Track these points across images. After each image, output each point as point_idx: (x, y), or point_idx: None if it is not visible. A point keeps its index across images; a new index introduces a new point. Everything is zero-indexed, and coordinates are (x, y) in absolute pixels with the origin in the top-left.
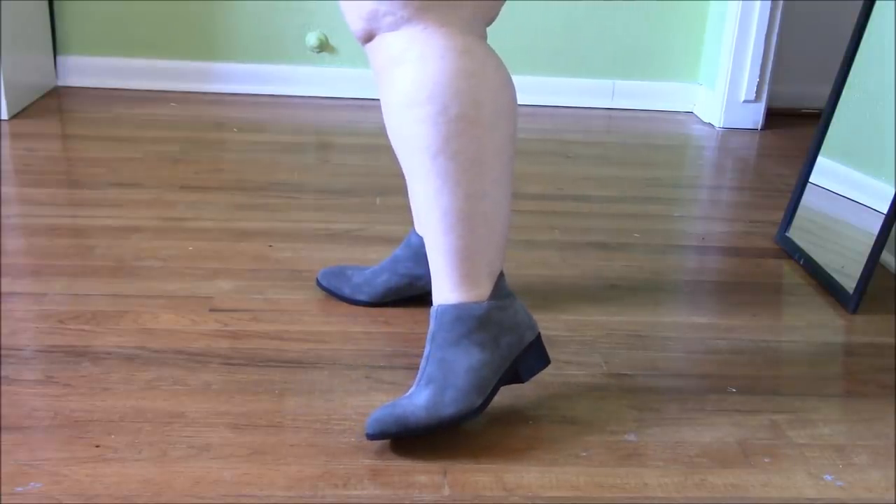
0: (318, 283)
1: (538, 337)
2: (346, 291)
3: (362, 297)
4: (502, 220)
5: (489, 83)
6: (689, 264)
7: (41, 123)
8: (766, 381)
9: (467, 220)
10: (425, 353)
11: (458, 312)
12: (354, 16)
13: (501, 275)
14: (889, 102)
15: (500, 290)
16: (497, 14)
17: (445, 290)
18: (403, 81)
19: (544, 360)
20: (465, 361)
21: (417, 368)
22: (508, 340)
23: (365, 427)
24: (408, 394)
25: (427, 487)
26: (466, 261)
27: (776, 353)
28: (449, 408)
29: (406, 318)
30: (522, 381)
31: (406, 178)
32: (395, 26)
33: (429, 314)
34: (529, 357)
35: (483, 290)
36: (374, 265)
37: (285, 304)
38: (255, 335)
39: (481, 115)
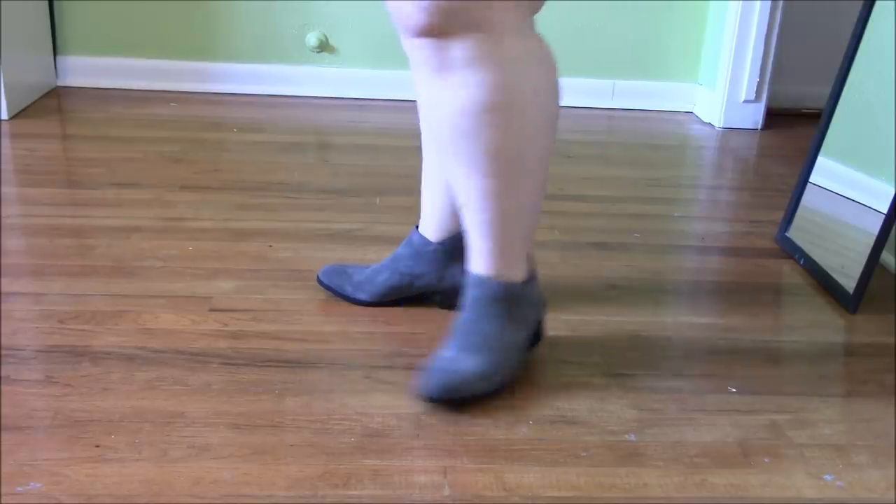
0: (319, 281)
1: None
2: (348, 290)
3: (363, 296)
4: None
5: (545, 91)
6: (689, 264)
7: (41, 123)
8: (766, 381)
9: (519, 217)
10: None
11: (509, 292)
12: (422, 10)
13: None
14: (889, 102)
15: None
16: (542, 3)
17: (502, 268)
18: (479, 86)
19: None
20: (505, 338)
21: (417, 368)
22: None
23: (423, 390)
24: (454, 355)
25: (427, 487)
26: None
27: (776, 353)
28: (494, 378)
29: (406, 318)
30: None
31: (450, 170)
32: (469, 28)
33: (429, 315)
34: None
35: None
36: (374, 264)
37: (285, 304)
38: (255, 335)
39: (540, 123)
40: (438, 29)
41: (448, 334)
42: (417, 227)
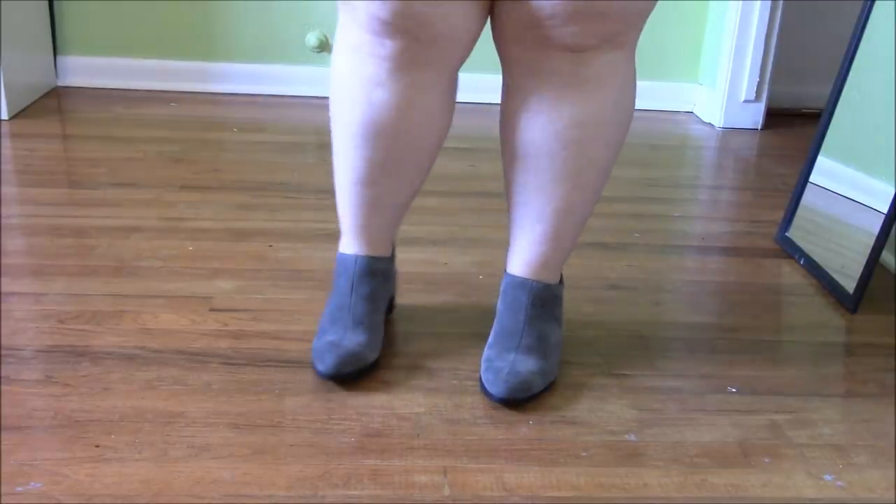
0: (332, 377)
1: None
2: (368, 359)
3: (375, 354)
4: None
5: (633, 110)
6: (689, 264)
7: (41, 123)
8: (766, 381)
9: (583, 225)
10: (527, 322)
11: (556, 293)
12: (589, 33)
13: None
14: (889, 102)
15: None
16: None
17: (554, 273)
18: (603, 103)
19: None
20: (555, 337)
21: (417, 368)
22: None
23: (494, 393)
24: (515, 357)
25: (427, 487)
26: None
27: (776, 353)
28: (551, 376)
29: (406, 318)
30: None
31: (528, 180)
32: (613, 46)
33: (428, 315)
34: None
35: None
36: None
37: (285, 304)
38: (255, 335)
39: (625, 139)
40: (585, 46)
41: (498, 335)
42: (364, 256)
